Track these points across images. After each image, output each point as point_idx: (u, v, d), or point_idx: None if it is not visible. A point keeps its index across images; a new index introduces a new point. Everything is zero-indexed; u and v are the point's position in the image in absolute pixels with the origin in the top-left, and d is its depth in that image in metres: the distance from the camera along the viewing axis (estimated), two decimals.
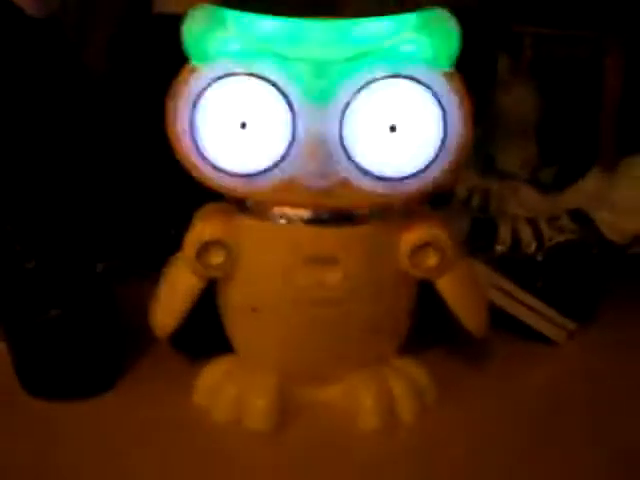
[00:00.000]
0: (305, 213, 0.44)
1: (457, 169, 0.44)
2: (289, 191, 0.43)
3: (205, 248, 0.45)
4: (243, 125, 0.42)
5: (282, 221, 0.45)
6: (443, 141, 0.43)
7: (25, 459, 0.44)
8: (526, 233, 0.55)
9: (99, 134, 0.52)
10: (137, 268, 0.57)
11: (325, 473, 0.44)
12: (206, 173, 0.43)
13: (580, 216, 0.56)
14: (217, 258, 0.46)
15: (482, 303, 0.49)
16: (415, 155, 0.43)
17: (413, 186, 0.43)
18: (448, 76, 0.42)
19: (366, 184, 0.43)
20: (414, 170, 0.43)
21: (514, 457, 0.45)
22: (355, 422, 0.47)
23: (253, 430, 0.46)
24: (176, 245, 0.47)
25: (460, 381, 0.51)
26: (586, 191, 0.58)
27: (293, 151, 0.42)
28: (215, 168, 0.43)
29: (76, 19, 0.47)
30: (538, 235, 0.55)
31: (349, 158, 0.42)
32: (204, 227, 0.46)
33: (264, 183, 0.43)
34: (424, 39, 0.41)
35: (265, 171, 0.43)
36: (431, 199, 0.48)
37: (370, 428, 0.47)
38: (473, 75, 0.43)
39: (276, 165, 0.42)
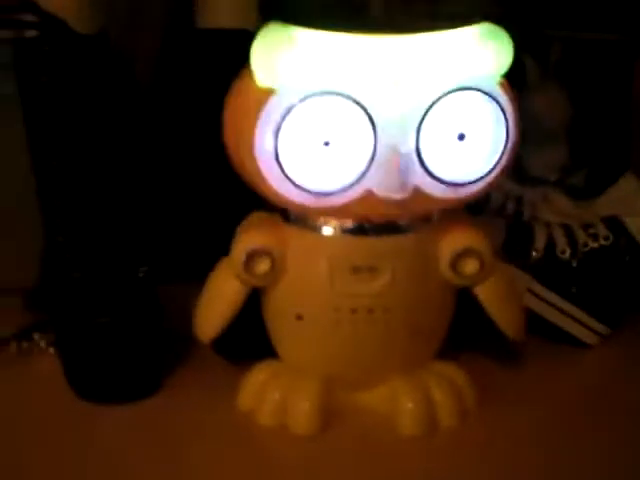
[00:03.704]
0: (348, 223, 0.45)
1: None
2: (363, 204, 0.43)
3: (251, 256, 0.46)
4: (326, 143, 0.42)
5: (326, 231, 0.46)
6: (505, 146, 0.44)
7: (71, 459, 0.46)
8: (561, 239, 0.56)
9: (146, 142, 0.53)
10: (180, 272, 0.57)
11: (367, 477, 0.45)
12: (285, 193, 0.43)
13: (615, 223, 0.56)
14: (263, 266, 0.46)
15: (519, 308, 0.51)
16: (483, 161, 0.44)
17: (475, 189, 0.44)
18: (503, 85, 0.44)
19: (438, 191, 0.43)
20: (481, 174, 0.44)
21: (552, 458, 0.46)
22: (396, 426, 0.48)
23: (297, 434, 0.47)
24: (221, 251, 0.47)
25: (498, 384, 0.52)
26: (618, 197, 0.58)
27: (374, 166, 0.42)
28: (298, 187, 0.42)
29: (123, 35, 0.48)
30: (572, 241, 0.55)
31: (425, 168, 0.43)
32: (252, 235, 0.47)
33: (341, 199, 0.43)
34: (486, 52, 0.42)
35: (346, 187, 0.43)
36: (467, 207, 0.49)
37: (411, 432, 0.48)
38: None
39: (357, 181, 0.42)
